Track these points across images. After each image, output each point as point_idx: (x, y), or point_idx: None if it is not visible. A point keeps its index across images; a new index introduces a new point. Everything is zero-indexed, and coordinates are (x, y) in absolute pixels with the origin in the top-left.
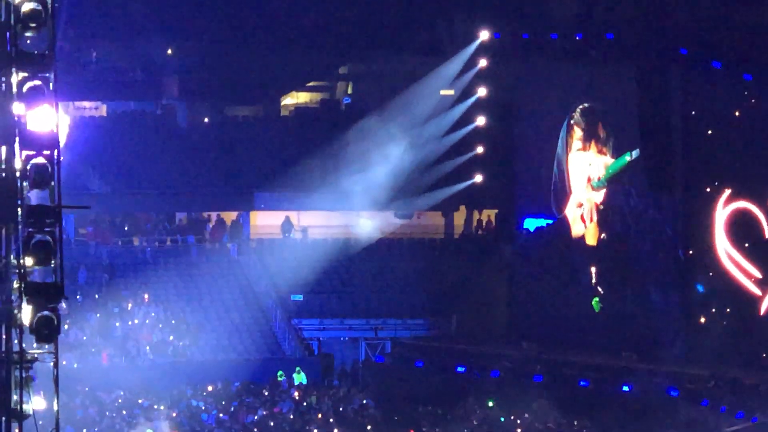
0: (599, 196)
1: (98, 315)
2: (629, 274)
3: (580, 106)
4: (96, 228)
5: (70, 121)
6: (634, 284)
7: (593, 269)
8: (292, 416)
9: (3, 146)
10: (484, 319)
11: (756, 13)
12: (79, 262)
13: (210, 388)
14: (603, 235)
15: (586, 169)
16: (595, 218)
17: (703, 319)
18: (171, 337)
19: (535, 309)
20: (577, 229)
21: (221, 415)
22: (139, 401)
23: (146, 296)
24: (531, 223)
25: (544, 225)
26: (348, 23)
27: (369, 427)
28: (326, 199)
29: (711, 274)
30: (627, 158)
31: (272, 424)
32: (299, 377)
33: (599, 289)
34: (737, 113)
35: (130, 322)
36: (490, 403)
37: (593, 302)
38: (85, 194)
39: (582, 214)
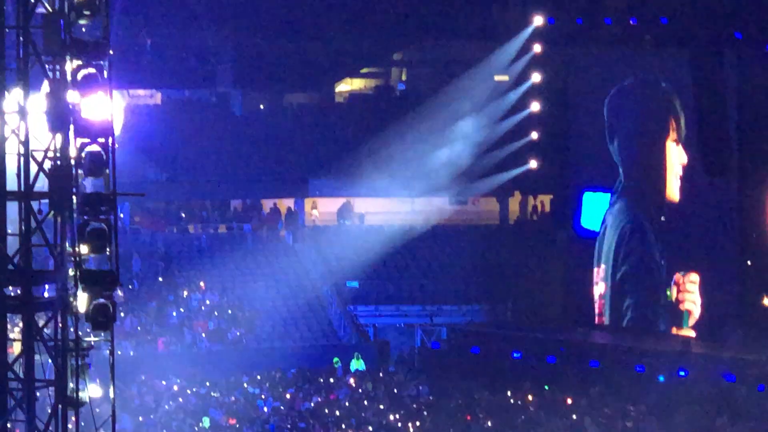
0: None
1: (154, 303)
2: (689, 259)
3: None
4: (151, 216)
5: (125, 108)
6: (696, 268)
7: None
8: (348, 403)
9: (58, 134)
10: (539, 305)
11: None
12: (134, 249)
13: (266, 376)
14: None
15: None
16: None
17: (764, 302)
18: (227, 325)
19: (591, 294)
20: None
21: (277, 402)
22: (195, 389)
23: (202, 284)
24: (590, 198)
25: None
26: (402, 9)
27: (425, 414)
28: (381, 185)
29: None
30: None
31: (328, 411)
32: (358, 363)
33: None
34: None
35: (184, 310)
36: (546, 388)
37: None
38: (140, 182)
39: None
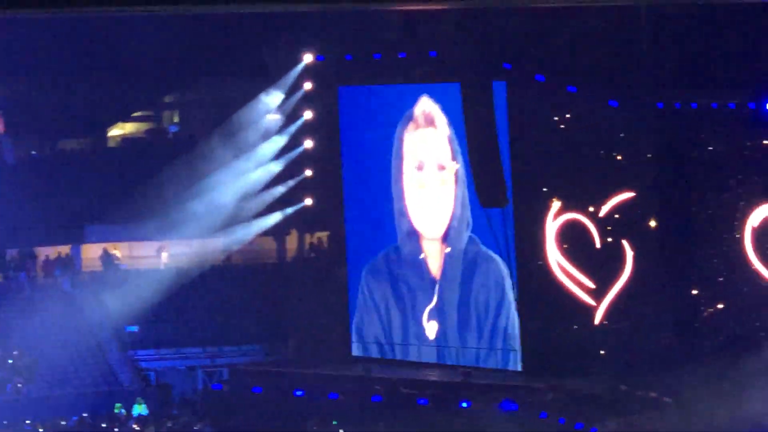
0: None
1: None
2: (464, 292)
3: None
4: None
5: None
6: (469, 301)
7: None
8: None
9: None
10: (320, 342)
11: (577, 27)
12: None
13: (49, 425)
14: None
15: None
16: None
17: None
18: (8, 375)
19: (371, 329)
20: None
21: None
22: None
23: None
24: None
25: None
26: (171, 51)
27: None
28: (157, 228)
29: (545, 286)
30: None
31: None
32: (140, 408)
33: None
34: (563, 126)
35: None
36: (335, 423)
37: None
38: None
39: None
